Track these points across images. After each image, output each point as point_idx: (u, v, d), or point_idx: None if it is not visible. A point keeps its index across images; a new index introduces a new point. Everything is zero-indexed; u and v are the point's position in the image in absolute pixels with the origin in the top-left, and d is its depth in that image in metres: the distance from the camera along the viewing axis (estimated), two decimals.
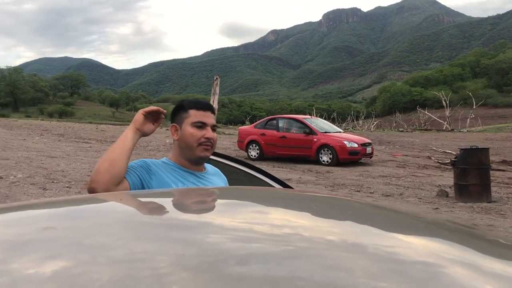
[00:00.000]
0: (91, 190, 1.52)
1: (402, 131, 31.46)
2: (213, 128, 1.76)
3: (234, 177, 2.14)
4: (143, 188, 1.61)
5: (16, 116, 52.22)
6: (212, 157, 2.01)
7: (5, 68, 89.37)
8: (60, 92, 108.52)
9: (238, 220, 0.71)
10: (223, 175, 1.93)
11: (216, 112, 1.93)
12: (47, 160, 11.82)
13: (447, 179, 10.06)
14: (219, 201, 0.98)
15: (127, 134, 1.64)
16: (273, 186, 2.12)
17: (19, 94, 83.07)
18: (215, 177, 1.85)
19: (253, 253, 0.50)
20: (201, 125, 1.72)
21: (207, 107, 1.78)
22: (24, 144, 15.82)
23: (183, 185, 1.69)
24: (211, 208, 0.88)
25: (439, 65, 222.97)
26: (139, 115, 1.66)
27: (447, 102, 34.58)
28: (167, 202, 0.94)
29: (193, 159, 1.74)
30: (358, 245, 0.59)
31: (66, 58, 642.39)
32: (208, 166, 1.87)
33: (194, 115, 1.73)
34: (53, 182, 8.75)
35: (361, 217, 0.84)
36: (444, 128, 31.59)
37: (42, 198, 7.31)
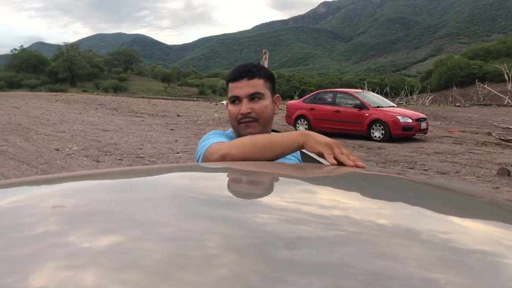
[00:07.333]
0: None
1: (459, 106, 30.05)
2: (253, 97, 1.44)
3: None
4: None
5: (73, 91, 54.50)
6: None
7: (62, 44, 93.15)
8: (115, 67, 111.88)
9: (286, 199, 0.69)
10: None
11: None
12: (101, 134, 12.20)
13: (509, 156, 9.47)
14: (267, 178, 0.93)
15: (293, 145, 1.22)
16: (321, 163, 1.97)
17: (76, 69, 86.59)
18: None
19: (302, 237, 0.49)
20: (235, 100, 1.46)
21: (241, 76, 1.45)
22: (79, 118, 16.43)
23: None
24: (260, 186, 0.86)
25: (502, 36, 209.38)
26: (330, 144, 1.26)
27: (510, 76, 32.48)
28: (219, 178, 0.91)
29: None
30: (411, 231, 0.57)
31: (120, 34, 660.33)
32: None
33: (230, 89, 1.48)
34: (106, 154, 9.01)
35: (415, 197, 0.80)
36: (505, 103, 29.76)
37: (95, 169, 7.54)
